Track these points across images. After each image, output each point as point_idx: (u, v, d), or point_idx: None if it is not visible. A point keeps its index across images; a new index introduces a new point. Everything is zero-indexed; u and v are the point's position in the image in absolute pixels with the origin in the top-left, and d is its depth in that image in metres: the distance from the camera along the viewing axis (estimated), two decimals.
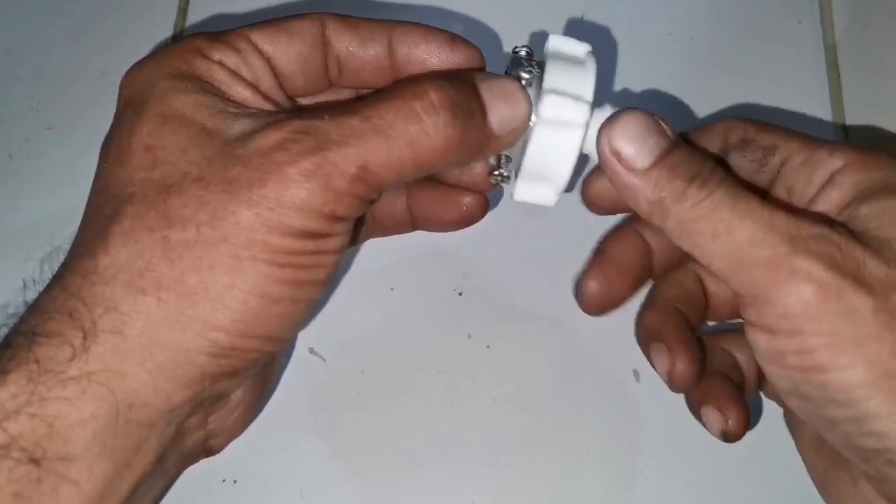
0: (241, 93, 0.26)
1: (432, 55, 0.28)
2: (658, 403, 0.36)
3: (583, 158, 0.28)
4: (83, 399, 0.22)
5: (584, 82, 0.27)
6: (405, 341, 0.37)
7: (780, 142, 0.28)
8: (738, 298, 0.25)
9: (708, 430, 0.30)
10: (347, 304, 0.37)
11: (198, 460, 0.28)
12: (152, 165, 0.24)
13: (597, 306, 0.31)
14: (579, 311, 0.37)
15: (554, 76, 0.27)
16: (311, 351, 0.37)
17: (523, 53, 0.28)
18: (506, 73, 0.28)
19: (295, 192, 0.23)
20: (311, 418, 0.35)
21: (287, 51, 0.27)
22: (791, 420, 0.32)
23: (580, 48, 0.28)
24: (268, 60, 0.27)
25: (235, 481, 0.34)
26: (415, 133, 0.24)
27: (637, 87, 0.41)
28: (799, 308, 0.24)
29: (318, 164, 0.23)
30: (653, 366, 0.30)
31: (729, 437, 0.29)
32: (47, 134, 0.41)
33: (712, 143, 0.29)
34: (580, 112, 0.27)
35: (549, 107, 0.27)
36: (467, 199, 0.31)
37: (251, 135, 0.24)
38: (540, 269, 0.38)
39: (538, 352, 0.36)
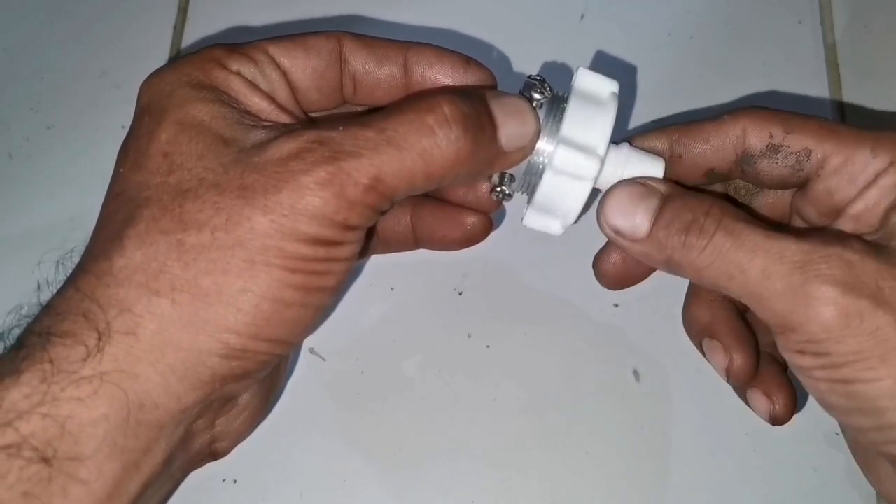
0: (258, 103, 0.26)
1: (446, 76, 0.29)
2: (658, 403, 0.36)
3: (593, 192, 0.28)
4: (95, 399, 0.22)
5: (601, 132, 0.27)
6: (405, 341, 0.37)
7: (813, 143, 0.27)
8: (769, 325, 0.26)
9: (754, 411, 0.30)
10: (347, 304, 0.37)
11: (203, 464, 0.28)
12: (169, 171, 0.24)
13: (615, 282, 0.31)
14: (579, 310, 0.37)
15: (572, 122, 0.27)
16: (312, 351, 0.37)
17: (537, 79, 0.28)
18: (519, 93, 0.28)
19: (309, 199, 0.23)
20: (312, 418, 0.35)
21: (304, 65, 0.28)
22: None
23: (606, 88, 0.28)
24: (284, 73, 0.28)
25: (235, 481, 0.34)
26: (427, 145, 0.24)
27: (637, 87, 0.41)
28: (823, 334, 0.24)
29: (333, 174, 0.23)
30: (707, 359, 0.30)
31: (777, 421, 0.29)
32: (47, 134, 0.41)
33: (727, 146, 0.29)
34: (590, 167, 0.27)
35: (561, 159, 0.27)
36: (471, 219, 0.31)
37: (267, 143, 0.24)
38: (540, 269, 0.38)
39: (538, 352, 0.36)
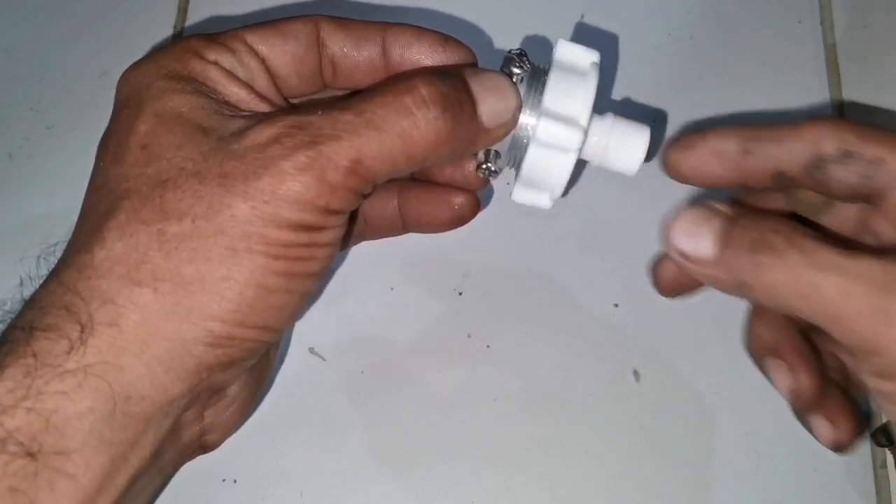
0: (237, 93, 0.26)
1: (425, 56, 0.28)
2: (658, 403, 0.36)
3: (580, 163, 0.29)
4: (80, 392, 0.22)
5: (583, 102, 0.28)
6: (405, 341, 0.37)
7: (885, 154, 0.27)
8: (846, 349, 0.25)
9: (816, 437, 0.29)
10: (347, 304, 0.37)
11: (194, 457, 0.28)
12: (148, 162, 0.24)
13: (671, 290, 0.31)
14: (579, 310, 0.37)
15: (553, 94, 0.27)
16: (311, 351, 0.37)
17: (516, 53, 0.28)
18: (500, 69, 0.28)
19: (290, 185, 0.23)
20: (311, 418, 0.35)
21: (282, 52, 0.28)
22: None
23: (586, 58, 0.28)
24: (262, 61, 0.28)
25: (235, 481, 0.34)
26: (406, 126, 0.24)
27: (637, 87, 0.41)
28: None
29: (313, 158, 0.23)
30: (769, 379, 0.30)
31: (841, 448, 0.29)
32: (47, 134, 0.41)
33: (800, 149, 0.28)
34: (574, 139, 0.27)
35: (544, 132, 0.27)
36: (459, 199, 0.31)
37: (246, 131, 0.24)
38: (540, 268, 0.38)
39: (538, 352, 0.36)
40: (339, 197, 0.24)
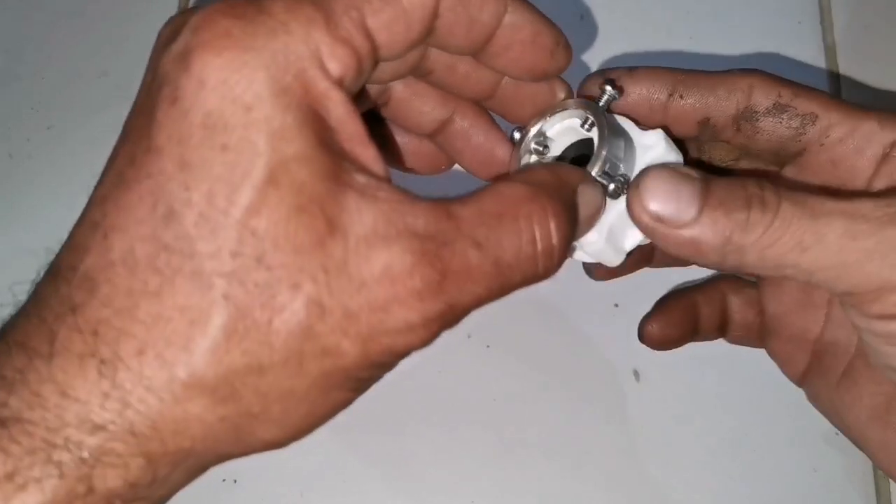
0: (352, 137, 0.21)
1: (528, 59, 0.27)
2: (658, 403, 0.36)
3: None
4: None
5: (633, 236, 0.26)
6: None
7: (819, 110, 0.26)
8: (849, 297, 0.24)
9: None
10: None
11: None
12: (255, 253, 0.19)
13: (606, 272, 0.30)
14: (579, 310, 0.37)
15: (620, 216, 0.26)
16: None
17: (604, 98, 0.27)
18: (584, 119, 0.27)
19: (411, 340, 0.21)
20: None
21: (404, 40, 0.22)
22: (834, 400, 0.30)
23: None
24: (376, 52, 0.21)
25: (235, 481, 0.34)
26: (529, 275, 0.23)
27: None
28: None
29: (442, 314, 0.21)
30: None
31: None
32: (47, 134, 0.41)
33: (731, 98, 0.27)
34: (612, 262, 0.27)
35: (593, 249, 0.27)
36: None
37: (377, 249, 0.20)
38: None
39: (538, 352, 0.36)
40: (433, 337, 0.22)
